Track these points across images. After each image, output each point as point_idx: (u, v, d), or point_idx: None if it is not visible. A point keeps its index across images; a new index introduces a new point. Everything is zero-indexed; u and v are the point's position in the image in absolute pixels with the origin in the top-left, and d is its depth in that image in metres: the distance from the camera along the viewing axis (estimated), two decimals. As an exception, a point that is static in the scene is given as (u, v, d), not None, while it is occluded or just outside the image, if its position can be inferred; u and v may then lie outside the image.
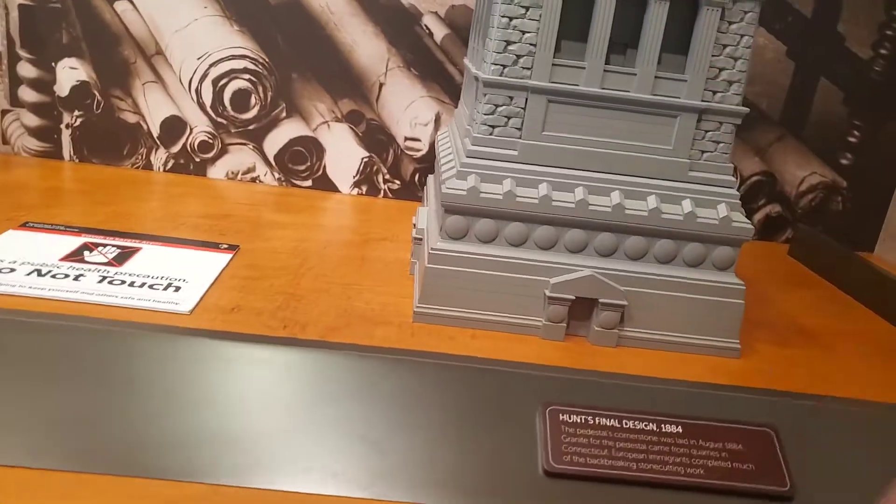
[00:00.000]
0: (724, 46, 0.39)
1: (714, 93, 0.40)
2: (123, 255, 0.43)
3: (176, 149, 0.66)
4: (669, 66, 0.39)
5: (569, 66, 0.39)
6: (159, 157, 0.67)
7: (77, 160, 0.66)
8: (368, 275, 0.48)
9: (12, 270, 0.39)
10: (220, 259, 0.45)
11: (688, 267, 0.42)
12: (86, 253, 0.43)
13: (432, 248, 0.41)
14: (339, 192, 0.68)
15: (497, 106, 0.40)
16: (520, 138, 0.40)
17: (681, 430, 0.29)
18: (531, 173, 0.40)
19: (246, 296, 0.41)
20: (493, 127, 0.40)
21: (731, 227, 0.41)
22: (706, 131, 0.40)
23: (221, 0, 0.63)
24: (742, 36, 0.39)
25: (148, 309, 0.37)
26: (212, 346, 0.30)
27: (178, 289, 0.40)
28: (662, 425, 0.29)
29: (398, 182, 0.68)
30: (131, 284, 0.39)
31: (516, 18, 0.38)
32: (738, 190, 0.42)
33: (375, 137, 0.67)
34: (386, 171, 0.68)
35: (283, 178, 0.68)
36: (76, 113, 0.65)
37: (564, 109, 0.40)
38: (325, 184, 0.68)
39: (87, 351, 0.30)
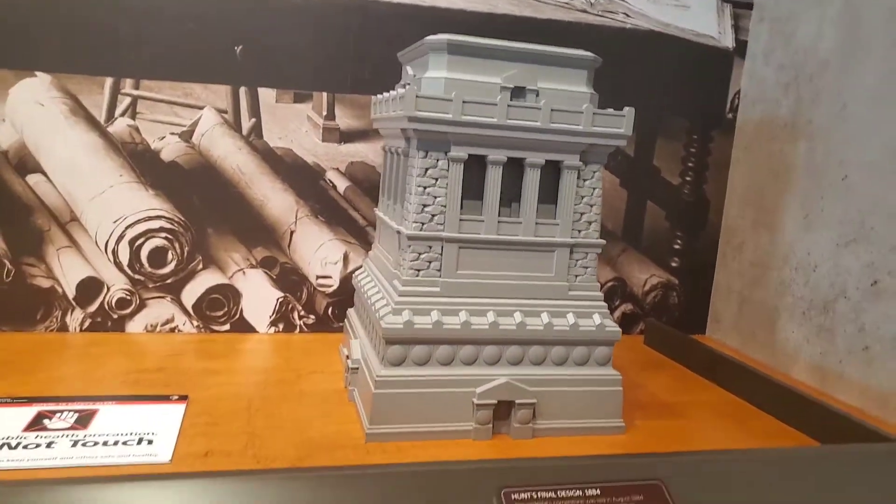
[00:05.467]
0: (582, 197, 0.52)
1: (579, 231, 0.52)
2: (84, 418, 0.46)
3: (93, 308, 0.69)
4: (545, 214, 0.52)
5: (472, 220, 0.50)
6: (75, 318, 0.69)
7: (-14, 330, 0.66)
8: (311, 408, 0.53)
9: (-17, 447, 0.41)
10: (176, 410, 0.49)
11: (577, 366, 0.52)
12: (45, 421, 0.45)
13: (378, 376, 0.48)
14: (256, 332, 0.74)
15: (420, 254, 0.50)
16: (440, 277, 0.50)
17: (599, 492, 0.38)
18: (452, 304, 0.50)
19: (212, 441, 0.46)
20: (418, 270, 0.50)
21: (606, 332, 0.52)
22: (577, 260, 0.53)
23: (137, 168, 0.69)
24: (594, 188, 0.52)
25: (130, 464, 0.41)
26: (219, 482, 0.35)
27: (150, 442, 0.44)
28: (586, 490, 0.38)
29: (313, 317, 0.75)
30: (104, 444, 0.43)
31: (429, 187, 0.49)
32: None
33: (289, 279, 0.74)
34: (301, 307, 0.75)
35: (201, 326, 0.72)
36: (-14, 283, 0.66)
37: (472, 253, 0.50)
38: (243, 326, 0.73)
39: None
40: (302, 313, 0.75)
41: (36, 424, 0.45)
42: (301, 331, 0.75)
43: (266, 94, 0.72)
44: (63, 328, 0.68)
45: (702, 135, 0.83)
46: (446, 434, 0.49)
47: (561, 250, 0.52)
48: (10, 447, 0.42)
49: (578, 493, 0.38)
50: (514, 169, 0.51)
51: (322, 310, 0.75)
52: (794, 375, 0.71)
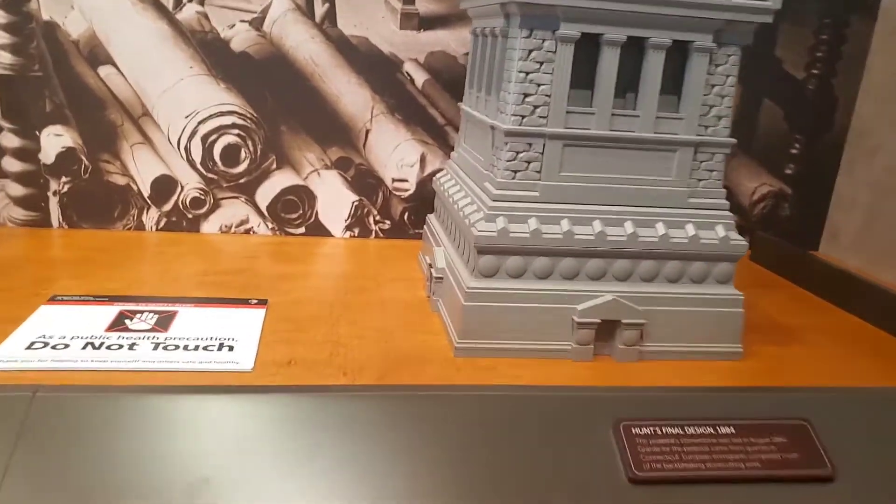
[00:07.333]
0: (713, 86, 0.44)
1: (706, 127, 0.45)
2: (164, 320, 0.44)
3: (168, 207, 0.67)
4: (666, 107, 0.44)
5: (580, 113, 0.43)
6: (151, 217, 0.67)
7: (66, 226, 0.65)
8: (394, 317, 0.50)
9: (66, 346, 0.40)
10: (256, 315, 0.47)
11: (694, 283, 0.46)
12: (127, 322, 0.43)
13: (468, 288, 0.44)
14: (332, 236, 0.70)
15: (518, 152, 0.43)
16: (540, 180, 0.44)
17: (734, 431, 0.33)
18: (552, 211, 0.44)
19: (295, 348, 0.43)
20: (515, 172, 0.44)
21: (730, 246, 0.45)
22: (701, 162, 0.45)
23: (207, 60, 0.65)
24: (727, 76, 0.44)
25: (211, 371, 0.39)
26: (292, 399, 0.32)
27: (231, 348, 0.41)
28: (718, 428, 0.33)
29: (388, 222, 0.71)
30: (185, 348, 0.40)
31: (532, 73, 0.42)
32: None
33: (365, 181, 0.69)
34: (376, 212, 0.70)
35: (276, 228, 0.69)
36: (63, 179, 0.64)
37: (578, 151, 0.44)
38: (318, 229, 0.70)
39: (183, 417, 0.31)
40: (378, 218, 0.71)
41: (118, 325, 0.43)
42: (377, 236, 0.71)
43: (340, -25, 0.65)
44: (140, 227, 0.67)
45: (837, 19, 0.71)
46: (542, 353, 0.45)
47: (683, 150, 0.45)
48: (93, 347, 0.40)
49: (710, 430, 0.33)
50: (631, 52, 0.43)
51: (398, 215, 0.71)
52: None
